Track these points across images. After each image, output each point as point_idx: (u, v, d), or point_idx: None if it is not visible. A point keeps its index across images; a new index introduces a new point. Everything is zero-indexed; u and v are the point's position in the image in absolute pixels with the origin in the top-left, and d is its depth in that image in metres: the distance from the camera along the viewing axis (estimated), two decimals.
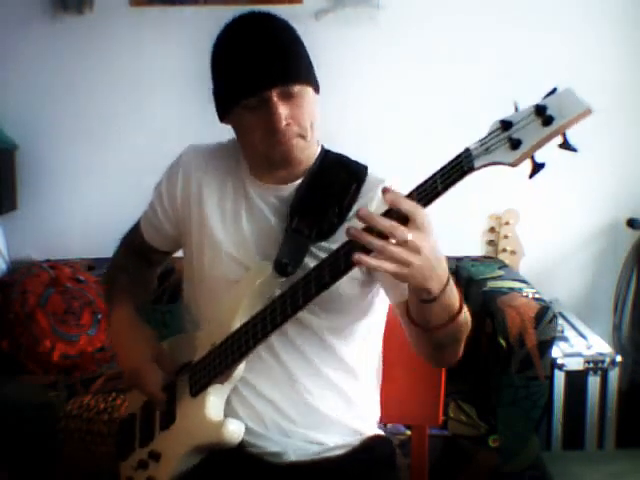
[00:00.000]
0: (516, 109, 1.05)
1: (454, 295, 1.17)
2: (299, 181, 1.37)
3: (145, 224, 1.54)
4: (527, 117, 1.03)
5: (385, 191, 1.06)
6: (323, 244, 1.31)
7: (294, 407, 1.34)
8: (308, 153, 1.35)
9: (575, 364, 2.41)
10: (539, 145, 1.02)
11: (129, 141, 2.82)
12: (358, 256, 1.04)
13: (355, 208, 1.32)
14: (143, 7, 2.78)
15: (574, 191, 2.86)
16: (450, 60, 2.79)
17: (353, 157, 1.41)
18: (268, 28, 1.29)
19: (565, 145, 1.02)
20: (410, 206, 1.05)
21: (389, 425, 2.05)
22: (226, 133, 1.42)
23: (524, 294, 2.24)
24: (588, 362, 2.42)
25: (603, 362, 2.42)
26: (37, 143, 2.83)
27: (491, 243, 2.83)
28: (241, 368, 1.31)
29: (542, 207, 2.83)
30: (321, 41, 2.79)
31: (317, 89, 1.34)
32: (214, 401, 1.32)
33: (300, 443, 1.34)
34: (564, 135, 1.02)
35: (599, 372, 2.41)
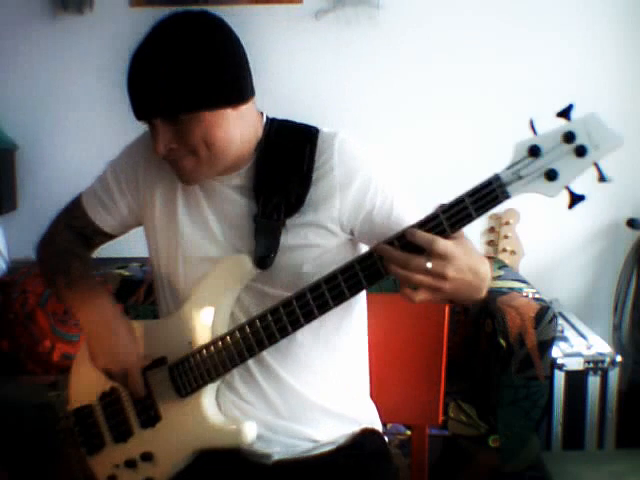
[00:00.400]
0: (532, 126, 1.05)
1: (489, 276, 1.20)
2: (251, 163, 1.31)
3: (91, 203, 1.47)
4: (557, 146, 1.03)
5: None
6: (296, 217, 1.27)
7: (276, 398, 1.32)
8: (244, 143, 1.28)
9: (575, 364, 2.41)
10: (575, 177, 1.06)
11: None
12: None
13: (315, 169, 1.27)
14: (143, 7, 2.78)
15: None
16: (450, 60, 2.79)
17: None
18: (163, 52, 1.19)
19: (601, 179, 1.06)
20: (424, 241, 1.08)
21: (389, 425, 2.05)
22: None
23: (524, 294, 2.23)
24: (588, 362, 2.41)
25: (603, 362, 2.41)
26: (37, 143, 2.83)
27: (491, 243, 2.83)
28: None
29: (542, 207, 2.81)
30: (321, 41, 2.84)
31: (225, 105, 1.22)
32: (210, 403, 1.31)
33: (288, 440, 1.33)
34: (597, 166, 1.04)
35: (599, 372, 2.41)
